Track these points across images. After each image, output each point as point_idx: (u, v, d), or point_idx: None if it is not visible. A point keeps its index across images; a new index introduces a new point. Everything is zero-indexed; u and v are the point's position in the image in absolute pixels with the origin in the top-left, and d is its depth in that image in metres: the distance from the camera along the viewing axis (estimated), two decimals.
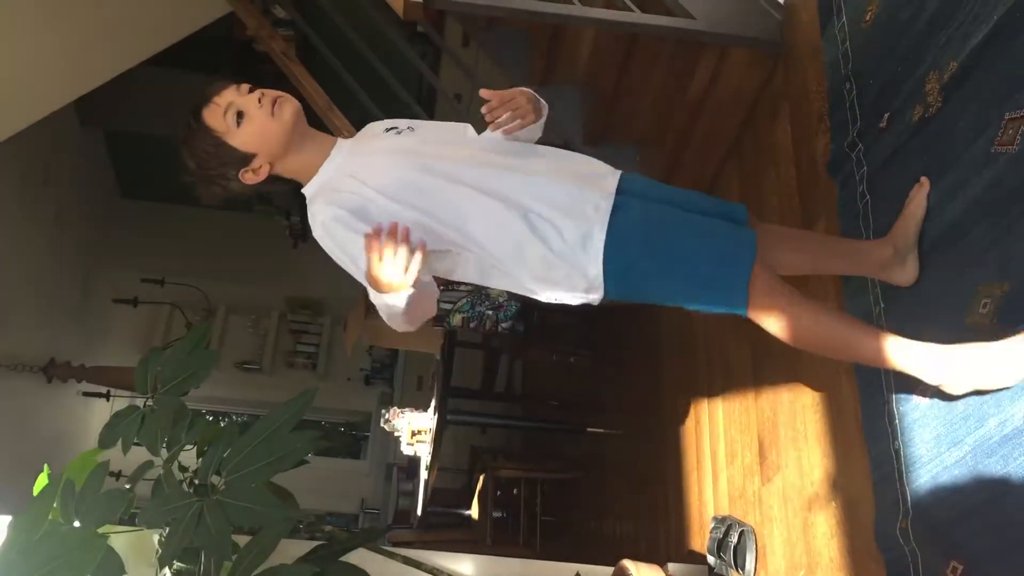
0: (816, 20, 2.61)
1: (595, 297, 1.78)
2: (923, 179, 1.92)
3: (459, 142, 1.89)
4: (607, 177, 1.83)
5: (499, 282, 1.85)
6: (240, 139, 1.78)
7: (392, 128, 1.91)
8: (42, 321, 5.92)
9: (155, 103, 6.04)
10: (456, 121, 2.02)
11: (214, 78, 1.84)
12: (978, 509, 1.60)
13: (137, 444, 2.31)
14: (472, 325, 4.16)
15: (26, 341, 5.66)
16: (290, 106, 1.81)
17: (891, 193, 2.08)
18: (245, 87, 1.81)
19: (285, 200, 7.15)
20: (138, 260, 7.26)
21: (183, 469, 2.24)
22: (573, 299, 1.81)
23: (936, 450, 1.73)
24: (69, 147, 6.20)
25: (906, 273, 1.93)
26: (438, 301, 1.85)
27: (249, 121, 1.77)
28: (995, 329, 1.61)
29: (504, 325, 4.18)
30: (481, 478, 5.30)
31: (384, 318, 1.77)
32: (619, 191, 1.80)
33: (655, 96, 3.39)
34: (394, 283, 1.58)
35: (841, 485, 2.10)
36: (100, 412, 6.50)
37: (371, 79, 3.73)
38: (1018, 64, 1.68)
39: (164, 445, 2.23)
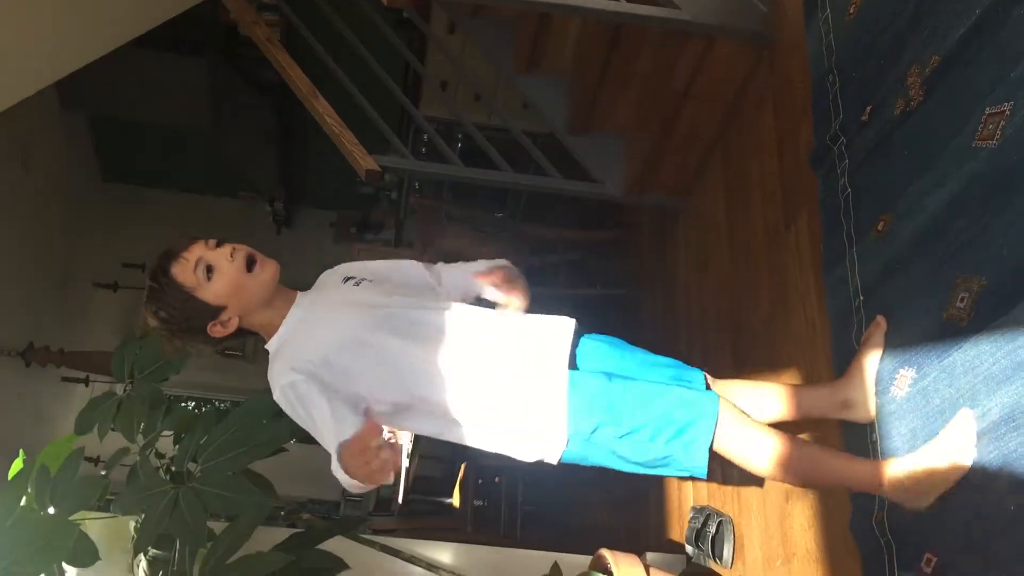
0: (801, 12, 2.61)
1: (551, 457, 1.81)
2: (879, 318, 1.88)
3: (417, 303, 1.88)
4: (561, 347, 1.85)
5: (451, 436, 1.88)
6: (211, 293, 1.78)
7: (350, 277, 1.92)
8: (21, 305, 5.86)
9: (138, 86, 5.99)
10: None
11: (178, 237, 1.84)
12: (952, 502, 1.60)
13: (114, 430, 2.30)
14: None
15: (4, 325, 5.60)
16: (270, 267, 1.83)
17: (872, 186, 2.09)
18: (212, 242, 1.81)
19: (269, 186, 7.12)
20: (120, 244, 7.19)
21: (160, 456, 2.23)
22: (526, 457, 1.84)
23: (912, 443, 1.73)
24: (50, 130, 6.14)
25: (860, 414, 1.89)
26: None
27: (220, 275, 1.78)
28: (973, 323, 1.62)
29: None
30: (463, 467, 5.30)
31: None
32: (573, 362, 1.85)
33: (640, 87, 3.39)
34: (363, 483, 1.57)
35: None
36: (79, 397, 6.45)
37: (356, 66, 3.71)
38: (999, 58, 1.68)
39: (140, 432, 2.21)
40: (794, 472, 1.78)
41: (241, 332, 1.87)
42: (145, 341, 2.40)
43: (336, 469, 1.63)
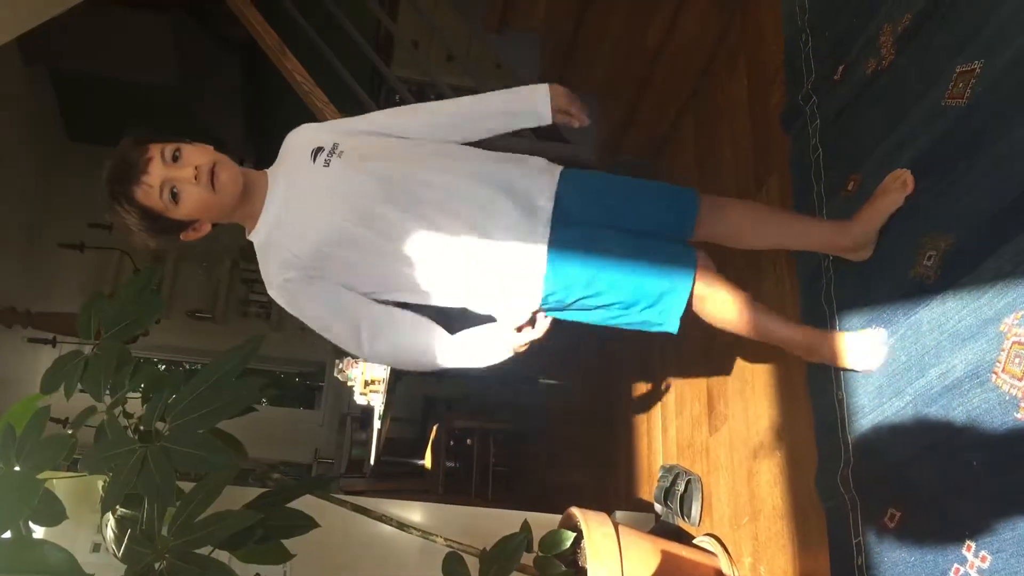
0: None
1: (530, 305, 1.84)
2: (909, 178, 1.79)
3: (388, 156, 1.84)
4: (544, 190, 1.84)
5: (433, 302, 1.89)
6: (181, 212, 1.74)
7: (318, 149, 1.83)
8: None
9: (103, 42, 5.86)
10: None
11: (128, 139, 1.77)
12: (916, 457, 1.63)
13: (82, 391, 2.27)
14: None
15: None
16: (227, 173, 1.75)
17: (843, 146, 2.09)
18: (169, 152, 1.72)
19: (237, 145, 7.02)
20: (86, 205, 7.07)
21: (128, 416, 2.21)
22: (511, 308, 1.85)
23: (878, 400, 1.76)
24: (12, 87, 5.99)
25: (860, 255, 1.91)
26: None
27: (187, 198, 1.72)
28: (939, 281, 1.63)
29: None
30: (434, 428, 5.31)
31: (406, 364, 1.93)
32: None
33: (613, 45, 3.36)
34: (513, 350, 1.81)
35: (785, 435, 2.14)
36: (46, 358, 6.37)
37: (326, 23, 3.65)
38: (970, 15, 1.68)
39: (107, 391, 2.19)
40: (753, 332, 1.87)
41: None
42: (112, 299, 2.37)
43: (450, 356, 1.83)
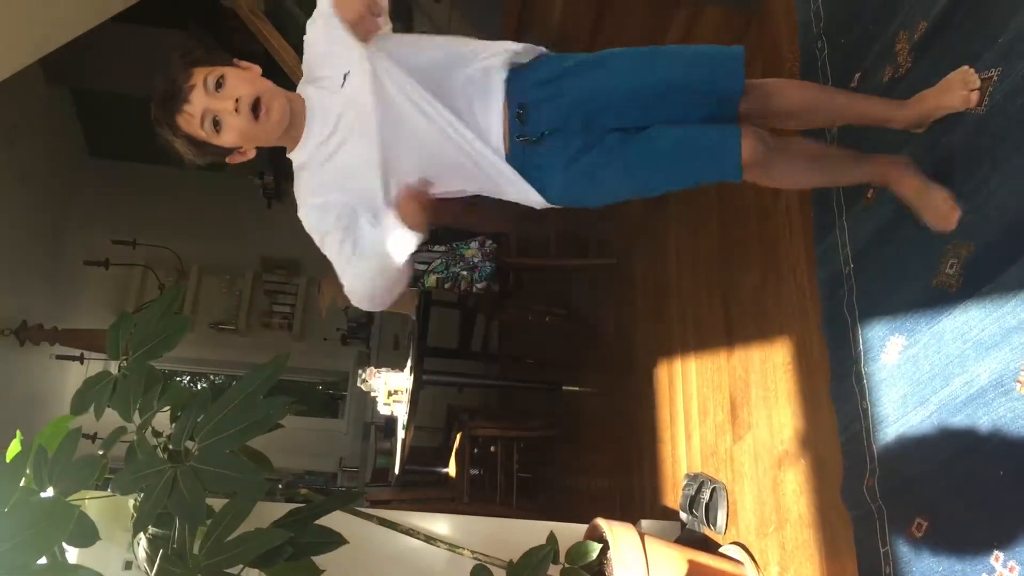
0: None
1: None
2: (973, 84, 1.69)
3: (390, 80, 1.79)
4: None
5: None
6: (223, 141, 1.77)
7: (326, 76, 1.83)
8: (12, 284, 5.84)
9: (123, 60, 5.95)
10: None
11: (176, 55, 1.78)
12: (943, 467, 1.63)
13: (110, 408, 2.30)
14: (447, 286, 4.16)
15: None
16: (278, 106, 1.76)
17: None
18: (212, 81, 1.73)
19: (257, 159, 7.08)
20: (109, 221, 7.17)
21: (157, 434, 2.24)
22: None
23: (903, 409, 1.76)
24: (35, 106, 6.08)
25: (915, 131, 1.84)
26: (413, 262, 1.86)
27: (228, 129, 1.74)
28: (962, 289, 1.63)
29: (479, 285, 4.18)
30: (458, 437, 5.32)
31: (362, 295, 1.85)
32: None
33: None
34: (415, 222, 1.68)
35: (810, 443, 2.13)
36: (75, 375, 6.45)
37: None
38: (986, 22, 1.68)
39: (137, 411, 2.22)
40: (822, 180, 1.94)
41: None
42: (139, 318, 2.40)
43: (377, 266, 1.77)
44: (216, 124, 1.73)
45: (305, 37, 1.93)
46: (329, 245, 1.82)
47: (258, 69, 1.84)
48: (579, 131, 1.75)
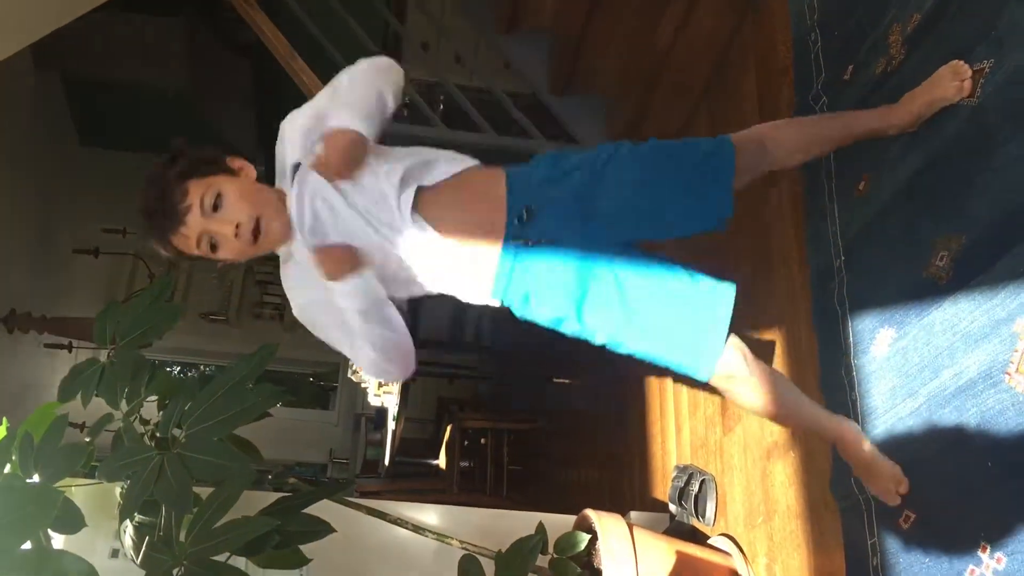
0: None
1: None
2: (965, 74, 1.68)
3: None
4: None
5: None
6: (219, 257, 1.70)
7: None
8: (0, 271, 5.81)
9: (114, 47, 5.90)
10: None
11: (164, 165, 1.70)
12: (931, 459, 1.63)
13: (98, 396, 2.29)
14: None
15: None
16: (277, 226, 1.71)
17: (854, 145, 2.08)
18: (209, 199, 1.64)
19: (248, 149, 7.05)
20: (99, 209, 7.12)
21: (144, 422, 2.23)
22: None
23: (891, 401, 1.76)
24: (24, 92, 6.03)
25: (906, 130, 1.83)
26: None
27: (226, 249, 1.68)
28: (951, 281, 1.63)
29: None
30: (449, 428, 5.33)
31: (377, 373, 1.98)
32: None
33: (623, 46, 3.36)
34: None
35: (799, 435, 2.13)
36: (63, 364, 6.42)
37: (335, 26, 3.66)
38: (980, 15, 1.68)
39: (124, 398, 2.21)
40: (781, 419, 1.92)
41: None
42: (128, 307, 2.39)
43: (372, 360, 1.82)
44: (213, 246, 1.67)
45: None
46: (334, 344, 1.85)
47: (252, 172, 1.77)
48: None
